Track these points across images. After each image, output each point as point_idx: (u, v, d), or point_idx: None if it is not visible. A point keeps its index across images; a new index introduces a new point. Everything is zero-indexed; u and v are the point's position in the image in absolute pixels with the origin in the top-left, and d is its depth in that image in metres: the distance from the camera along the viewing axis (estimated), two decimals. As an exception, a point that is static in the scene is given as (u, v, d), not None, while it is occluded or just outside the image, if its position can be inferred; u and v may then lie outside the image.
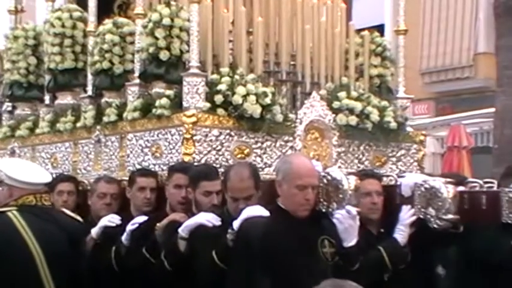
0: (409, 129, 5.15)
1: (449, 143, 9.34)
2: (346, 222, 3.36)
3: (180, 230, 3.67)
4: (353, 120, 4.82)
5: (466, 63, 11.94)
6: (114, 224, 4.29)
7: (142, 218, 4.11)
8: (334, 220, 3.38)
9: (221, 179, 3.81)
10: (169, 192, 4.13)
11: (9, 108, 6.28)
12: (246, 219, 3.35)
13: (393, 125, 4.95)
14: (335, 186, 3.40)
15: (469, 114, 9.97)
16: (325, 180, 3.43)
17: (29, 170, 3.91)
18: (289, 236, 3.28)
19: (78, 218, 4.09)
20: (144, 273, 3.93)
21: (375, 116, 4.87)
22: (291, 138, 4.62)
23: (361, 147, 4.91)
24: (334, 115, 4.73)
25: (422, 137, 5.16)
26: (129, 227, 4.08)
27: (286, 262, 3.24)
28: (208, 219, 3.61)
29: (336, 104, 4.83)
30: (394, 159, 5.00)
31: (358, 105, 4.86)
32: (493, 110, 8.24)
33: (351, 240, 3.37)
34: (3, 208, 3.81)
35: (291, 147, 4.62)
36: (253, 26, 5.00)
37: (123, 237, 4.09)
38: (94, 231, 4.33)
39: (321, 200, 3.44)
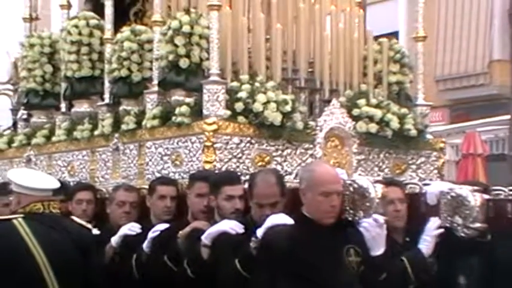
0: (429, 136, 5.11)
1: (464, 150, 9.29)
2: (374, 230, 3.32)
3: (203, 237, 3.64)
4: (373, 127, 4.79)
5: (480, 70, 11.90)
6: (134, 233, 4.26)
7: (163, 226, 4.08)
8: (361, 229, 3.34)
9: (245, 186, 3.78)
10: (191, 201, 4.09)
11: (25, 116, 6.28)
12: (270, 228, 3.32)
13: (413, 132, 4.91)
14: (361, 195, 3.36)
15: (484, 122, 9.93)
16: (351, 189, 3.40)
17: (36, 177, 3.91)
18: (314, 244, 3.24)
19: (88, 225, 4.09)
20: (165, 281, 3.90)
21: (395, 123, 4.84)
22: (311, 146, 4.59)
23: (381, 155, 4.88)
24: (354, 122, 4.71)
25: (442, 145, 5.12)
26: (151, 234, 4.05)
27: (311, 271, 3.20)
28: (232, 226, 3.58)
29: (355, 112, 4.80)
30: (414, 166, 4.97)
31: (378, 113, 4.83)
32: (508, 117, 8.21)
33: (378, 249, 3.33)
34: (9, 216, 3.82)
35: (311, 155, 4.59)
36: (271, 33, 4.99)
37: (144, 245, 4.05)
38: (114, 240, 4.30)
39: (347, 208, 3.40)
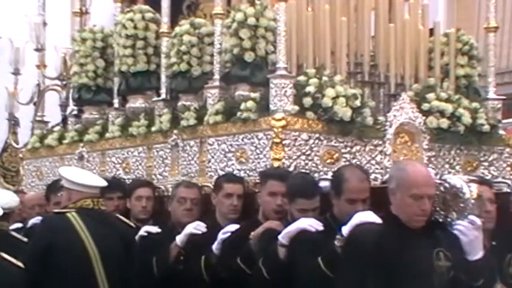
0: (501, 132, 4.89)
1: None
2: (471, 233, 3.11)
3: (280, 236, 3.49)
4: (444, 122, 4.59)
5: (523, 65, 11.52)
6: (200, 232, 4.13)
7: (234, 227, 3.94)
8: (456, 232, 3.14)
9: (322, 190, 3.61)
10: (263, 199, 3.93)
11: (75, 112, 6.17)
12: (358, 225, 3.15)
13: (486, 127, 4.70)
14: (454, 195, 3.17)
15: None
16: (442, 188, 3.20)
17: (86, 175, 4.20)
18: (404, 246, 3.07)
19: (131, 223, 4.32)
20: (237, 283, 3.76)
21: (466, 118, 4.64)
22: (380, 142, 4.42)
23: (452, 151, 4.68)
24: (424, 117, 4.52)
25: (516, 140, 4.91)
26: (221, 235, 3.92)
27: (401, 274, 3.04)
28: (310, 223, 3.43)
29: (425, 106, 4.61)
30: (486, 163, 4.75)
31: (448, 107, 4.63)
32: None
33: (476, 253, 3.13)
34: (62, 210, 4.08)
35: (381, 152, 4.42)
36: (336, 26, 4.79)
37: (214, 246, 3.92)
38: (179, 239, 4.17)
39: (437, 209, 3.21)
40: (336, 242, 3.22)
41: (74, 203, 4.02)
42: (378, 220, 3.17)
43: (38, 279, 3.85)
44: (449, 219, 3.19)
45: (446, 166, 4.64)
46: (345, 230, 3.20)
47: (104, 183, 4.17)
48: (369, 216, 3.19)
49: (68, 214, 3.99)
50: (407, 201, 3.08)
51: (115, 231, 4.07)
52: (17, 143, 7.52)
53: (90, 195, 4.04)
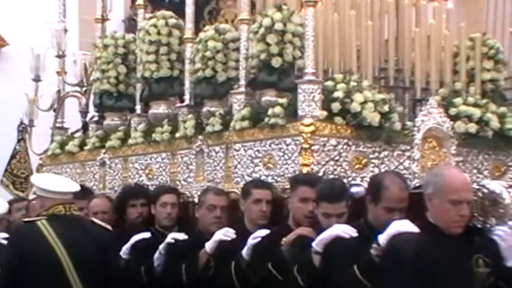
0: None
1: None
2: (510, 239, 3.09)
3: (314, 244, 3.45)
4: (472, 127, 4.56)
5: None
6: (229, 238, 4.11)
7: (264, 232, 3.92)
8: (495, 237, 3.12)
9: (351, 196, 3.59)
10: (294, 205, 3.90)
11: (96, 118, 6.16)
12: (396, 235, 3.12)
13: (514, 132, 4.68)
14: (493, 200, 3.15)
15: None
16: (480, 194, 3.18)
17: (57, 181, 4.19)
18: (443, 255, 3.04)
19: (108, 226, 4.34)
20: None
21: (495, 123, 4.61)
22: (408, 148, 4.39)
23: (480, 156, 4.64)
24: (451, 122, 4.49)
25: (544, 145, 4.86)
26: (251, 240, 3.89)
27: (442, 283, 3.01)
28: (345, 230, 3.40)
29: (452, 111, 4.58)
30: (514, 168, 4.73)
31: (476, 112, 4.60)
32: None
33: None
34: (34, 218, 4.12)
35: (409, 157, 4.39)
36: (361, 30, 4.79)
37: (244, 252, 3.90)
38: (208, 246, 4.15)
39: (475, 214, 3.19)
40: (372, 251, 3.18)
41: (47, 210, 4.03)
42: (415, 229, 3.14)
43: None
44: (488, 225, 3.16)
45: (474, 171, 4.60)
46: (382, 238, 3.17)
47: (76, 188, 4.15)
48: (406, 226, 3.15)
49: (38, 222, 4.00)
50: (446, 207, 3.05)
51: (89, 236, 4.05)
52: (26, 150, 7.54)
53: (61, 202, 4.03)
